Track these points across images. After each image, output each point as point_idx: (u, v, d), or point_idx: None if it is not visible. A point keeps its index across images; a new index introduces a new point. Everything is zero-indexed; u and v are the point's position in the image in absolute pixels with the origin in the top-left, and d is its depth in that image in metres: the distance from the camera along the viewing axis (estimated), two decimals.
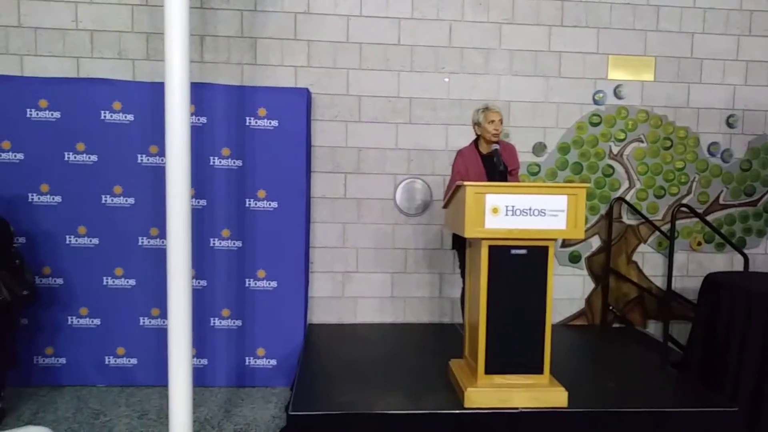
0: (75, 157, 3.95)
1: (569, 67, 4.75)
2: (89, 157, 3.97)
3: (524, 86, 4.73)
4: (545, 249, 3.06)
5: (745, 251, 4.50)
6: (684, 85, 4.87)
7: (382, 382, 3.48)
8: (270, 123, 4.08)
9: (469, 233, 2.99)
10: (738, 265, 4.74)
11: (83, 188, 3.96)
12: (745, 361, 3.45)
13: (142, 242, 4.03)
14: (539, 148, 4.78)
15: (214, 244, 4.08)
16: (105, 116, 3.97)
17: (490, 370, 3.08)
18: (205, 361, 4.10)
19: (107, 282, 4.02)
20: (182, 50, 2.89)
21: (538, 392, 3.07)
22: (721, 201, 4.99)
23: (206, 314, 4.08)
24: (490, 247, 3.03)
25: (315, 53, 4.55)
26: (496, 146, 3.61)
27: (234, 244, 4.10)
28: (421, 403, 3.17)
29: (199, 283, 4.04)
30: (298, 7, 4.51)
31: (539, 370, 3.10)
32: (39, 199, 3.95)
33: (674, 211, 4.07)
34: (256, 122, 4.07)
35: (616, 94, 4.82)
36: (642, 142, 4.87)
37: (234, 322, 4.13)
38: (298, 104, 4.14)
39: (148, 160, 4.00)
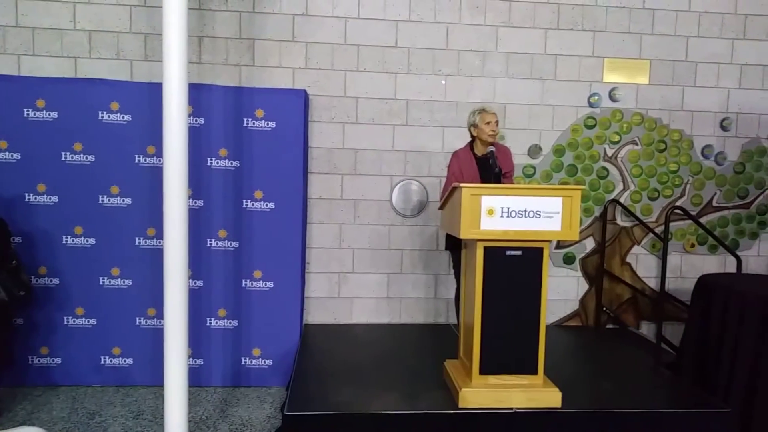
0: (72, 157, 3.96)
1: (565, 69, 4.79)
2: (86, 157, 3.97)
3: (520, 89, 4.76)
4: (540, 250, 3.09)
5: (738, 253, 4.53)
6: (678, 88, 4.91)
7: (378, 382, 3.49)
8: (267, 124, 4.10)
9: (464, 234, 3.01)
10: (731, 267, 4.77)
11: (80, 188, 3.97)
12: (738, 363, 3.48)
13: (139, 242, 4.04)
14: (534, 150, 4.81)
15: (210, 244, 4.09)
16: (102, 116, 3.97)
17: (484, 370, 3.11)
18: (201, 361, 4.11)
19: (103, 282, 4.03)
20: (180, 51, 2.90)
21: (533, 392, 3.10)
22: (714, 203, 5.03)
23: (202, 314, 4.09)
24: (486, 248, 3.05)
25: (313, 55, 4.57)
26: (491, 148, 3.63)
27: (231, 244, 4.11)
28: (416, 404, 3.19)
29: (195, 283, 4.04)
30: (296, 8, 4.53)
31: (534, 371, 3.13)
32: (36, 198, 3.95)
33: (668, 213, 4.10)
34: (254, 123, 4.09)
35: (611, 97, 4.85)
36: (636, 144, 4.91)
37: (230, 322, 4.14)
38: (295, 105, 4.16)
39: (145, 160, 4.01)
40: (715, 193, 5.02)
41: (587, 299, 4.97)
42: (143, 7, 4.39)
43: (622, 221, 4.96)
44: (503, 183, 3.63)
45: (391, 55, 4.64)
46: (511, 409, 3.08)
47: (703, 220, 4.92)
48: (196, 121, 4.00)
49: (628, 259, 4.99)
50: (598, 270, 4.91)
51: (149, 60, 4.42)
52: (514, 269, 3.08)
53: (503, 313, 3.09)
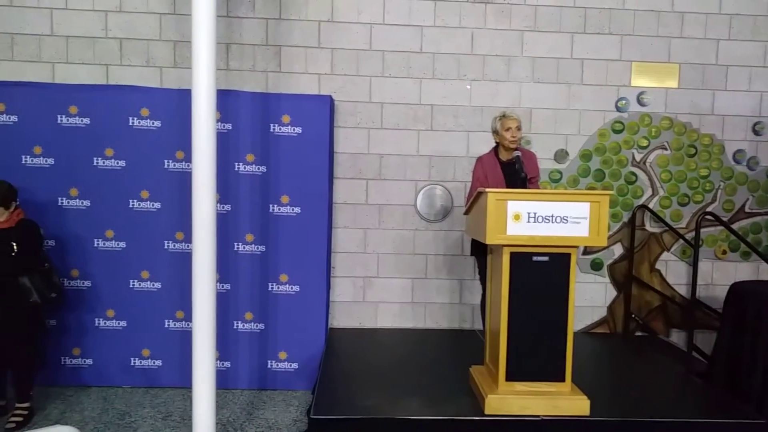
0: (104, 162, 4.05)
1: (592, 74, 4.74)
2: (117, 162, 4.05)
3: (546, 93, 4.73)
4: (567, 256, 3.05)
5: None
6: (709, 92, 4.82)
7: (403, 387, 3.49)
8: (294, 130, 4.13)
9: (490, 240, 2.99)
10: (764, 274, 4.67)
11: (111, 193, 4.05)
12: None
13: (168, 246, 4.10)
14: (561, 155, 4.77)
15: (238, 248, 4.13)
16: (133, 122, 4.05)
17: (511, 377, 3.08)
18: (228, 364, 4.15)
19: (134, 285, 4.10)
20: (209, 58, 2.95)
21: (560, 400, 3.06)
22: (746, 209, 4.92)
23: (230, 317, 4.13)
24: (512, 254, 3.03)
25: (338, 61, 4.60)
26: (517, 153, 3.61)
27: (257, 248, 4.15)
28: (441, 409, 3.18)
29: (223, 286, 4.09)
30: (321, 15, 4.57)
31: (561, 378, 3.09)
32: (68, 203, 4.04)
33: (699, 219, 4.02)
34: (280, 129, 4.13)
35: (640, 102, 4.79)
36: (665, 149, 4.83)
37: (257, 326, 4.18)
38: (321, 111, 4.19)
39: (174, 165, 4.08)
40: (748, 199, 4.91)
41: (615, 306, 4.90)
42: (173, 15, 4.48)
43: (651, 227, 4.88)
44: (529, 188, 3.60)
45: (416, 61, 4.65)
46: (537, 416, 3.05)
47: (735, 226, 4.82)
48: (224, 126, 4.05)
49: (658, 266, 4.91)
50: (627, 276, 4.83)
51: (178, 67, 4.50)
52: (541, 275, 3.05)
53: (530, 319, 3.06)
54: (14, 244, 3.40)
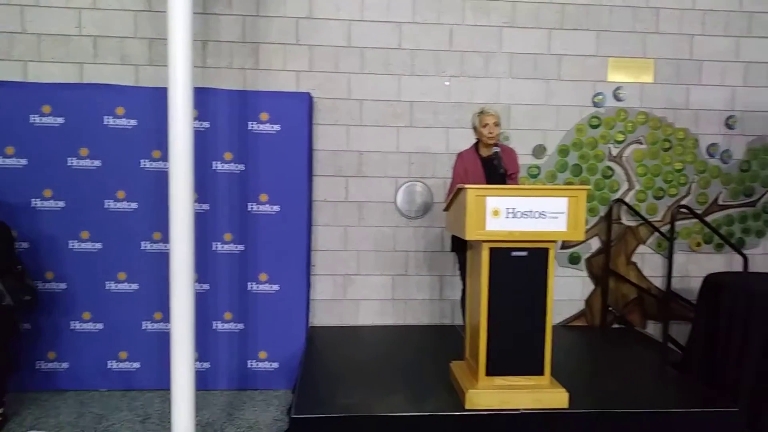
0: (78, 162, 3.98)
1: (569, 69, 4.78)
2: (92, 162, 3.99)
3: (524, 89, 4.76)
4: (546, 251, 3.08)
5: (744, 252, 4.51)
6: (683, 87, 4.89)
7: (384, 384, 3.50)
8: (272, 127, 4.11)
9: (470, 235, 3.01)
10: (737, 265, 4.75)
11: (86, 193, 3.99)
12: (746, 361, 3.47)
13: (145, 246, 4.05)
14: (539, 151, 4.80)
15: (216, 247, 4.10)
16: (108, 121, 3.99)
17: (491, 371, 3.10)
18: (207, 365, 4.12)
19: (110, 286, 4.05)
20: (185, 55, 2.92)
21: (539, 393, 3.09)
22: (720, 202, 5.01)
23: (209, 318, 4.10)
24: (491, 249, 3.05)
25: (317, 58, 4.58)
26: (496, 149, 3.63)
27: (236, 247, 4.12)
28: (422, 405, 3.19)
29: (201, 286, 4.05)
30: (299, 11, 4.54)
31: (540, 372, 3.12)
32: (42, 204, 3.97)
33: (674, 212, 4.09)
34: (259, 126, 4.10)
35: (616, 96, 4.84)
36: (641, 143, 4.90)
37: (236, 326, 4.15)
38: (300, 108, 4.17)
39: (151, 164, 4.03)
40: (721, 192, 5.01)
41: (593, 299, 4.96)
42: (148, 12, 4.41)
43: (627, 221, 4.94)
44: (508, 184, 3.62)
45: (395, 57, 4.64)
46: (517, 410, 3.08)
47: (708, 218, 4.91)
48: (201, 124, 4.01)
49: (634, 259, 4.98)
50: (604, 270, 4.89)
51: (154, 64, 4.43)
52: (520, 270, 3.07)
53: (509, 314, 3.08)
54: None
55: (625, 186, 4.91)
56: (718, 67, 4.90)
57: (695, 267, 4.97)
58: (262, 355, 4.18)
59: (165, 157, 3.81)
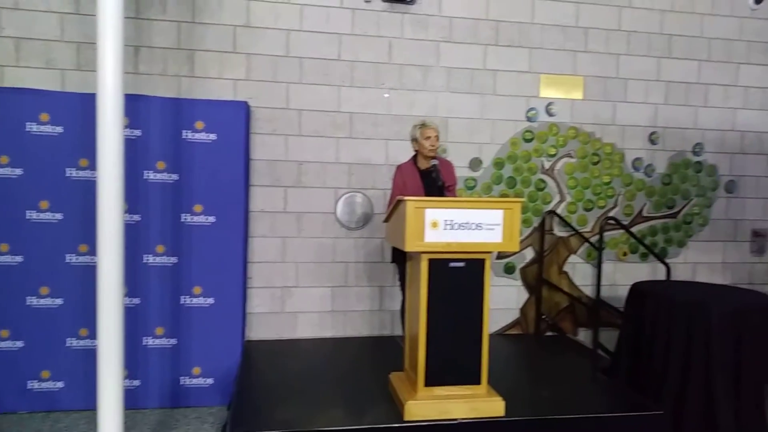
0: None
1: (504, 85, 4.92)
2: (13, 171, 3.78)
3: (461, 103, 4.86)
4: (482, 261, 3.14)
5: (667, 261, 4.76)
6: (610, 104, 5.13)
7: (323, 398, 3.45)
8: (208, 136, 4.02)
9: (409, 247, 3.03)
10: (661, 274, 5.00)
11: (5, 203, 3.77)
12: (669, 366, 3.64)
13: (71, 259, 3.86)
14: (476, 163, 4.91)
15: (148, 260, 3.95)
16: (31, 128, 3.79)
17: (430, 382, 3.12)
18: (137, 383, 3.95)
19: (31, 302, 3.83)
20: (116, 60, 2.82)
21: (476, 402, 3.14)
22: (644, 213, 5.27)
23: (139, 333, 3.94)
24: (430, 261, 3.08)
25: (254, 66, 4.52)
26: (435, 162, 3.68)
27: (169, 260, 3.99)
28: (361, 418, 3.17)
29: (131, 301, 3.90)
30: (237, 19, 4.47)
31: (477, 381, 3.17)
32: None
33: (602, 224, 4.27)
34: (194, 135, 4.00)
35: (548, 112, 5.02)
36: (572, 157, 5.09)
37: (168, 341, 4.01)
38: (236, 117, 4.10)
39: (77, 173, 3.85)
40: (645, 204, 5.26)
41: (527, 308, 5.09)
42: (76, 14, 4.23)
43: (559, 231, 5.12)
44: (446, 196, 3.68)
45: (335, 68, 4.64)
46: (455, 420, 3.11)
47: (634, 229, 5.14)
48: (132, 132, 3.87)
49: (566, 268, 5.15)
50: (538, 279, 5.04)
51: (82, 69, 4.24)
52: (458, 280, 3.12)
53: (447, 324, 3.12)
54: None
55: (557, 198, 5.09)
56: (641, 85, 5.17)
57: (622, 276, 5.19)
58: (196, 371, 4.05)
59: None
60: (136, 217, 3.92)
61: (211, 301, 4.05)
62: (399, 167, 3.89)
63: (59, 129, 3.82)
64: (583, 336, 5.16)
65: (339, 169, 4.69)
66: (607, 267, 5.13)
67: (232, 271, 4.11)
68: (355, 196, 4.73)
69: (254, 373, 3.87)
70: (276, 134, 4.57)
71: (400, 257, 3.72)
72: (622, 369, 4.02)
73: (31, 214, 3.80)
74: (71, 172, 3.84)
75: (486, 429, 3.14)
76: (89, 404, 3.51)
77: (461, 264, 3.12)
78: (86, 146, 3.62)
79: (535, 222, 5.05)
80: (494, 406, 3.16)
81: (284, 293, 4.65)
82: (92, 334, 3.73)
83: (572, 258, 5.16)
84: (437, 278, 3.09)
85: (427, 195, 3.66)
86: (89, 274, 3.46)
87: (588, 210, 5.14)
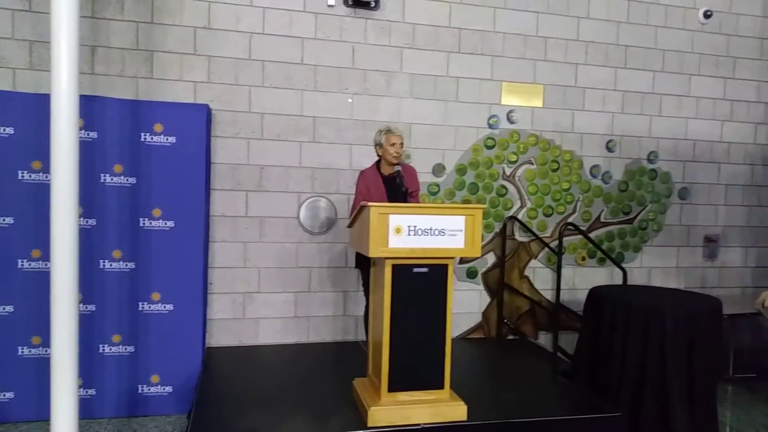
0: None
1: (466, 92, 4.98)
2: None
3: (424, 109, 4.89)
4: (445, 267, 3.17)
5: (624, 265, 4.87)
6: (569, 112, 5.25)
7: (285, 405, 3.41)
8: (167, 139, 3.93)
9: (373, 253, 3.03)
10: (618, 278, 5.11)
11: None
12: (626, 368, 3.73)
13: (22, 265, 3.72)
14: (438, 169, 4.95)
15: (104, 265, 3.84)
16: None
17: (393, 387, 3.12)
18: (93, 392, 3.83)
19: None
20: (70, 60, 2.74)
21: (439, 407, 3.15)
22: (602, 219, 5.40)
23: (94, 341, 3.82)
24: (394, 266, 3.08)
25: (216, 69, 4.45)
26: (398, 168, 3.70)
27: (126, 265, 3.89)
28: (324, 425, 3.15)
29: (86, 307, 3.78)
30: (197, 21, 4.40)
31: (440, 385, 3.18)
32: None
33: (561, 229, 4.35)
34: (152, 138, 3.91)
35: (509, 119, 5.10)
36: (532, 164, 5.18)
37: (125, 348, 3.90)
38: (197, 120, 4.03)
39: (30, 176, 3.71)
40: (603, 210, 5.40)
41: (489, 312, 5.15)
42: (28, 12, 4.09)
43: (520, 237, 5.20)
44: (409, 202, 3.70)
45: (298, 72, 4.61)
46: (418, 425, 3.12)
47: (592, 235, 5.27)
48: (88, 135, 3.77)
49: (526, 273, 5.24)
50: (499, 283, 5.11)
51: (35, 69, 4.11)
52: (421, 286, 3.13)
53: (411, 329, 3.13)
54: None
55: (518, 204, 5.17)
56: (599, 94, 5.30)
57: (581, 280, 5.31)
58: (155, 378, 3.95)
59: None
60: (92, 222, 3.81)
61: (170, 307, 3.96)
62: (362, 173, 3.89)
63: (9, 130, 3.68)
64: (544, 339, 5.25)
65: (302, 174, 4.66)
66: (567, 271, 5.24)
67: (192, 276, 4.03)
68: (318, 200, 4.71)
69: (215, 381, 3.79)
70: (238, 137, 4.52)
71: (363, 262, 3.72)
72: (581, 372, 4.10)
73: None
74: (23, 175, 3.71)
75: None
76: (42, 414, 3.40)
77: (425, 269, 3.14)
78: (39, 148, 3.52)
79: (497, 227, 5.12)
80: (457, 411, 3.18)
81: (246, 299, 4.59)
82: (45, 342, 3.62)
83: (533, 263, 5.24)
84: (401, 284, 3.10)
85: (390, 201, 3.67)
86: (42, 280, 3.35)
87: (548, 216, 5.24)
